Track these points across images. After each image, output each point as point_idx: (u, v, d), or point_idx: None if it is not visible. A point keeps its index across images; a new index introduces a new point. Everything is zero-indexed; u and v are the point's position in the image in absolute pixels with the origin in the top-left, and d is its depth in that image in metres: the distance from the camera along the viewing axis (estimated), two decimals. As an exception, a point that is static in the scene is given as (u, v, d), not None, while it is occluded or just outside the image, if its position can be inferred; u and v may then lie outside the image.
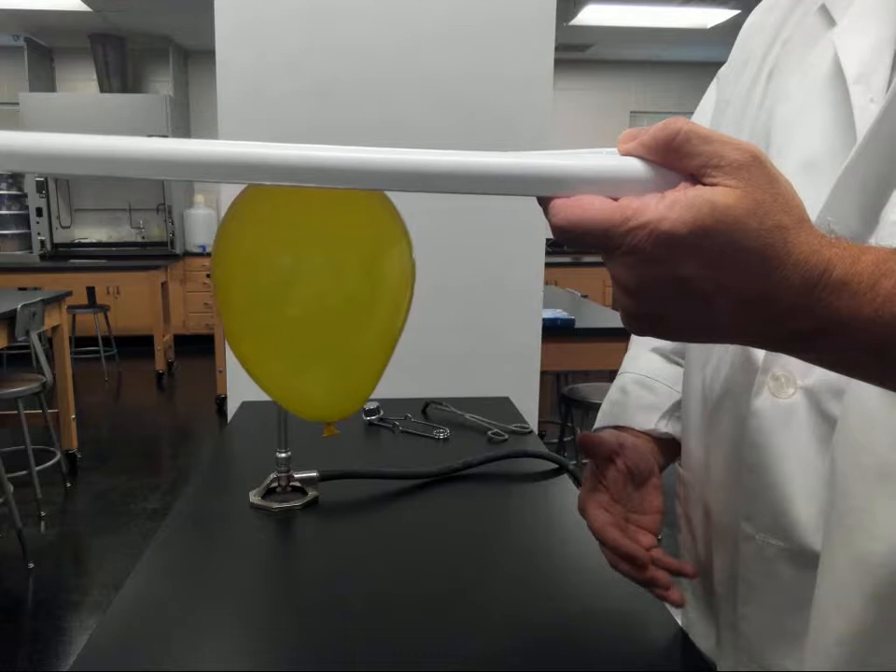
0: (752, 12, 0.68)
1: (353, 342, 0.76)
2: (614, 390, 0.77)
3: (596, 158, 0.38)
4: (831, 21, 0.56)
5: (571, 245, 0.38)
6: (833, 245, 0.36)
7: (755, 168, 0.36)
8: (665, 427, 0.71)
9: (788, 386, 0.53)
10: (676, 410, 0.72)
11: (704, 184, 0.36)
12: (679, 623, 0.71)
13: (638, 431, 0.71)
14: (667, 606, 0.70)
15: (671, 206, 0.35)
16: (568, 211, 0.36)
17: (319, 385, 0.79)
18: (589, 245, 0.37)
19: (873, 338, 0.36)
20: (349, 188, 0.39)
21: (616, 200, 0.36)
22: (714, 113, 0.70)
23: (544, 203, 0.38)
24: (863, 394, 0.41)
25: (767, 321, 0.37)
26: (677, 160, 0.36)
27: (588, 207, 0.36)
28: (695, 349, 0.66)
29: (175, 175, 0.39)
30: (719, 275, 0.36)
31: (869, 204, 0.48)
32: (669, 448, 0.72)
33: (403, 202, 0.72)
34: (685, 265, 0.35)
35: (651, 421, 0.72)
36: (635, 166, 0.37)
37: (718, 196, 0.35)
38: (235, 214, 0.71)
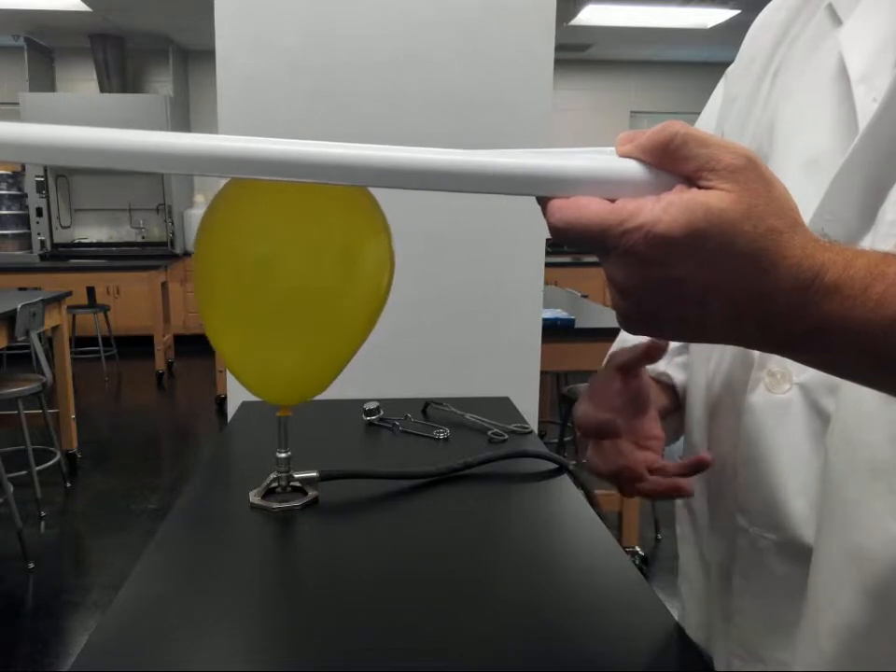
0: (762, 11, 0.68)
1: (323, 330, 0.79)
2: (615, 344, 0.78)
3: (595, 159, 0.39)
4: (837, 21, 0.56)
5: (568, 245, 0.39)
6: (827, 248, 0.37)
7: (750, 172, 0.36)
8: (665, 367, 0.72)
9: (783, 382, 0.54)
10: (675, 355, 0.73)
11: (699, 187, 0.36)
12: (675, 616, 0.71)
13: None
14: (664, 602, 0.71)
15: (666, 209, 0.35)
16: (566, 212, 0.37)
17: (285, 370, 0.83)
18: (585, 245, 0.37)
19: (864, 341, 0.37)
20: (348, 184, 0.40)
21: (613, 201, 0.37)
22: (721, 109, 0.70)
23: (542, 203, 0.39)
24: (857, 390, 0.42)
25: (760, 323, 0.38)
26: (673, 162, 0.37)
27: (585, 209, 0.37)
28: (699, 344, 0.67)
29: (167, 169, 0.39)
30: (712, 277, 0.36)
31: (867, 203, 0.49)
32: (665, 395, 0.72)
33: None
34: (679, 267, 0.36)
35: None
36: (632, 168, 0.38)
37: (712, 199, 0.35)
38: (217, 204, 0.74)
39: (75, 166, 0.40)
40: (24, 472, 3.17)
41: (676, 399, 0.73)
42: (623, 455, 0.62)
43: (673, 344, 0.72)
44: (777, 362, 0.54)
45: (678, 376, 0.72)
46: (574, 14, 5.21)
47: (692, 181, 0.37)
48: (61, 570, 2.74)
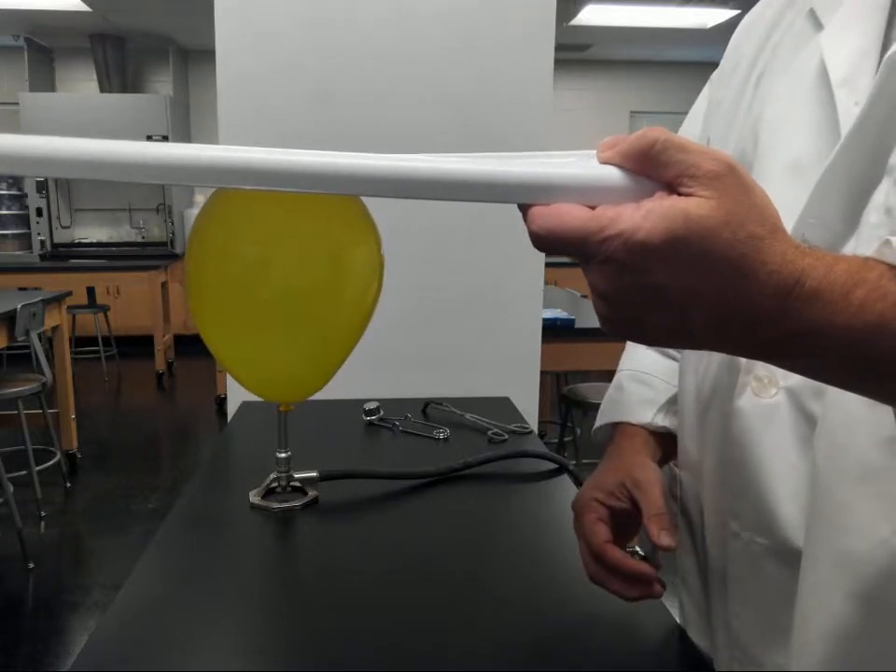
0: (745, 17, 0.69)
1: (316, 331, 0.80)
2: (612, 388, 0.78)
3: (575, 166, 0.39)
4: (818, 25, 0.56)
5: (548, 252, 0.39)
6: (807, 254, 0.37)
7: (730, 178, 0.36)
8: (662, 421, 0.72)
9: (770, 387, 0.54)
10: (672, 404, 0.72)
11: (679, 193, 0.36)
12: (678, 620, 0.71)
13: (636, 426, 0.72)
14: (665, 602, 0.71)
15: (646, 216, 0.35)
16: (546, 219, 0.37)
17: (280, 369, 0.84)
18: (566, 252, 0.37)
19: (846, 346, 0.37)
20: (326, 192, 0.40)
21: (593, 208, 0.37)
22: (707, 114, 0.71)
23: (523, 210, 0.39)
24: (844, 394, 0.42)
25: (741, 329, 0.38)
26: (653, 169, 0.37)
27: (565, 216, 0.37)
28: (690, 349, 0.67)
29: (150, 180, 0.39)
30: (693, 284, 0.36)
31: (850, 206, 0.49)
32: (667, 442, 0.72)
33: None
34: (659, 274, 0.36)
35: (648, 415, 0.72)
36: (612, 175, 0.38)
37: (692, 206, 0.35)
38: (209, 209, 0.75)
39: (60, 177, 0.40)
40: (24, 472, 3.17)
41: (675, 443, 0.72)
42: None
43: (669, 395, 0.72)
44: (763, 366, 0.54)
45: (673, 423, 0.72)
46: (574, 14, 5.21)
47: (672, 188, 0.37)
48: (61, 570, 2.74)
